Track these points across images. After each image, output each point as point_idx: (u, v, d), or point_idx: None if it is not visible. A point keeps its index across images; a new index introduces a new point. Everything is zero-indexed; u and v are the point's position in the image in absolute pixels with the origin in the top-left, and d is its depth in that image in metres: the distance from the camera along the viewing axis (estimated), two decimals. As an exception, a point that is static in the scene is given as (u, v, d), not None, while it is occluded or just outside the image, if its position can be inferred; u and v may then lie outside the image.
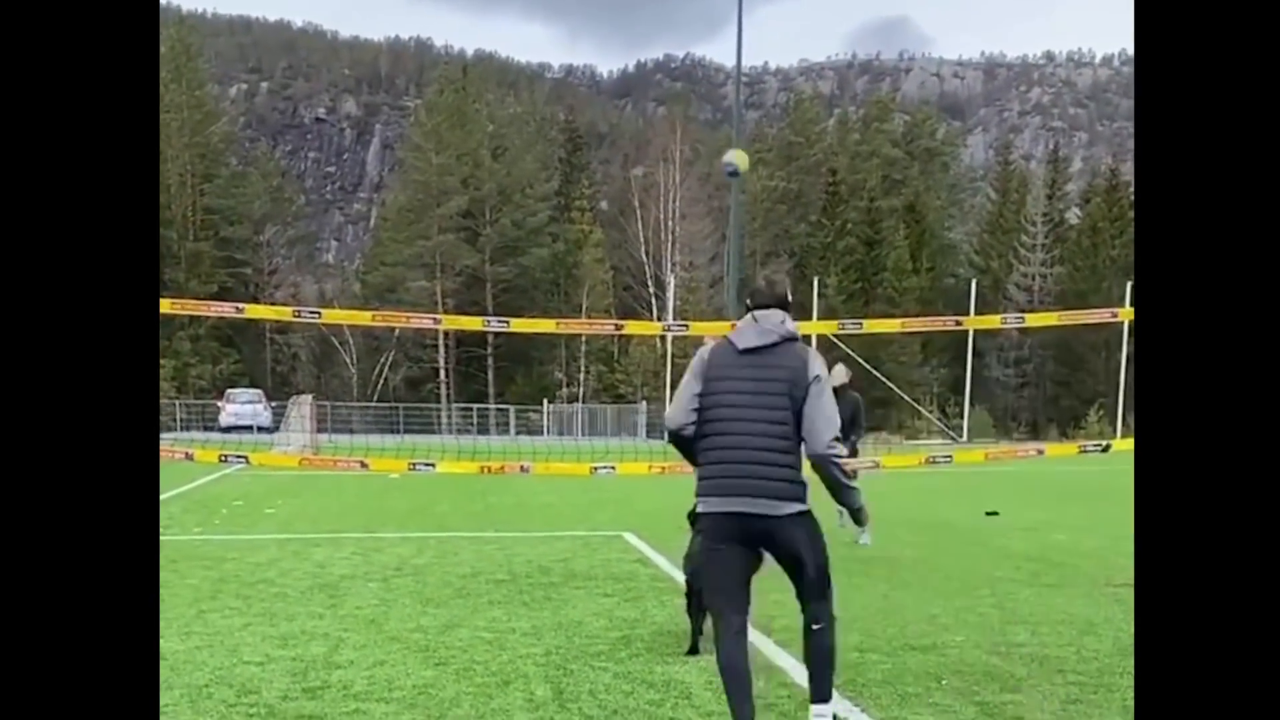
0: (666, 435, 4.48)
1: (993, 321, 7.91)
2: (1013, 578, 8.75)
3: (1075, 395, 55.40)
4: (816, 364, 4.15)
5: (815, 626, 4.37)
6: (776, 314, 4.22)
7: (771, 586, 8.38)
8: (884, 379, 40.12)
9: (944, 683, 5.45)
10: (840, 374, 9.41)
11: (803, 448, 4.15)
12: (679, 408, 4.29)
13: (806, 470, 4.24)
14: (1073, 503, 15.11)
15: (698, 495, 4.35)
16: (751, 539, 4.23)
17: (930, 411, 49.12)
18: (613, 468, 8.38)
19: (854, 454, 9.29)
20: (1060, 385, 58.41)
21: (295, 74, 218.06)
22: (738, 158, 8.59)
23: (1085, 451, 8.33)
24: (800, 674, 5.54)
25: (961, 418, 48.82)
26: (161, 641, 6.24)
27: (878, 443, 43.83)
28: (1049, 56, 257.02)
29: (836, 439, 4.11)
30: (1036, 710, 4.98)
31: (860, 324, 8.22)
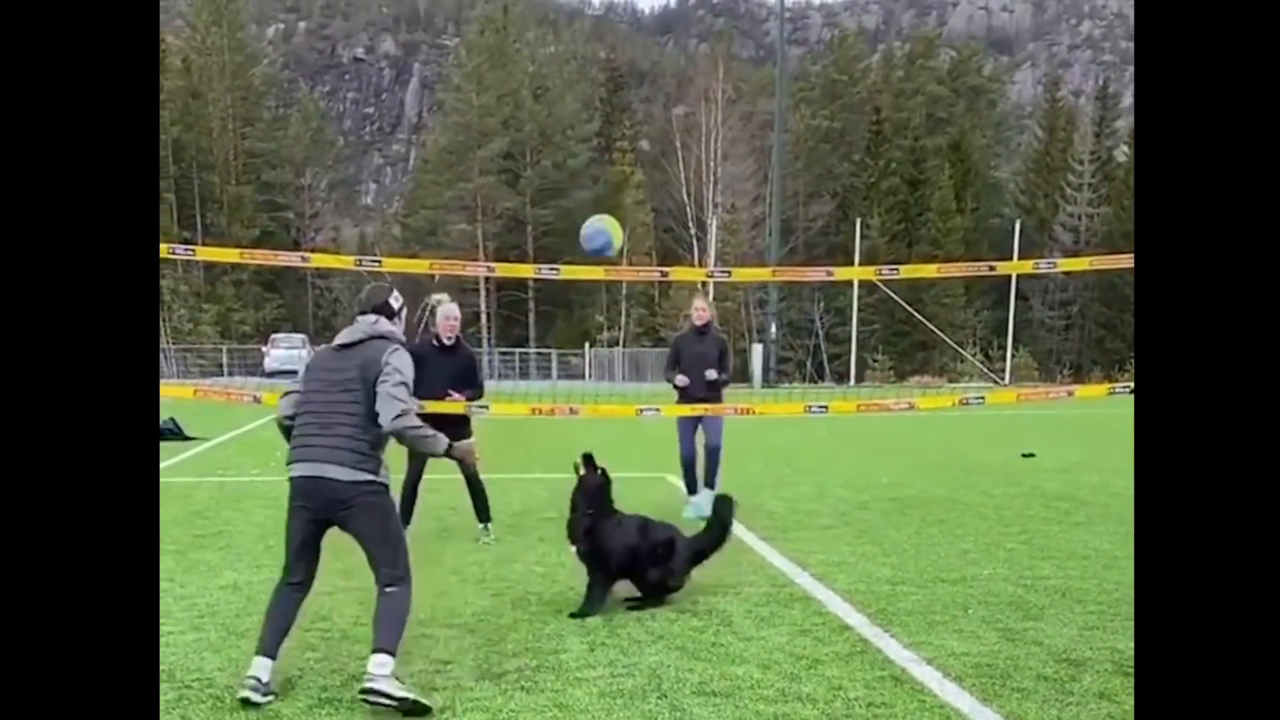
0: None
1: (1025, 267, 8.04)
2: (1043, 516, 9.03)
3: (1120, 337, 54.87)
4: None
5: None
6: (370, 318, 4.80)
7: (795, 524, 8.75)
8: (926, 321, 40.02)
9: (970, 611, 5.77)
10: (702, 311, 9.34)
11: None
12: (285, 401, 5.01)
13: None
14: (1110, 444, 15.27)
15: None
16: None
17: (973, 354, 48.98)
18: (658, 409, 8.70)
19: (718, 399, 9.17)
20: (1105, 328, 57.83)
21: (333, 13, 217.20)
22: (614, 234, 8.31)
23: (1115, 393, 8.52)
24: (835, 604, 5.91)
25: (1005, 360, 48.65)
26: (234, 574, 6.70)
27: (917, 385, 43.94)
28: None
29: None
30: (1055, 636, 5.30)
31: (896, 269, 8.35)
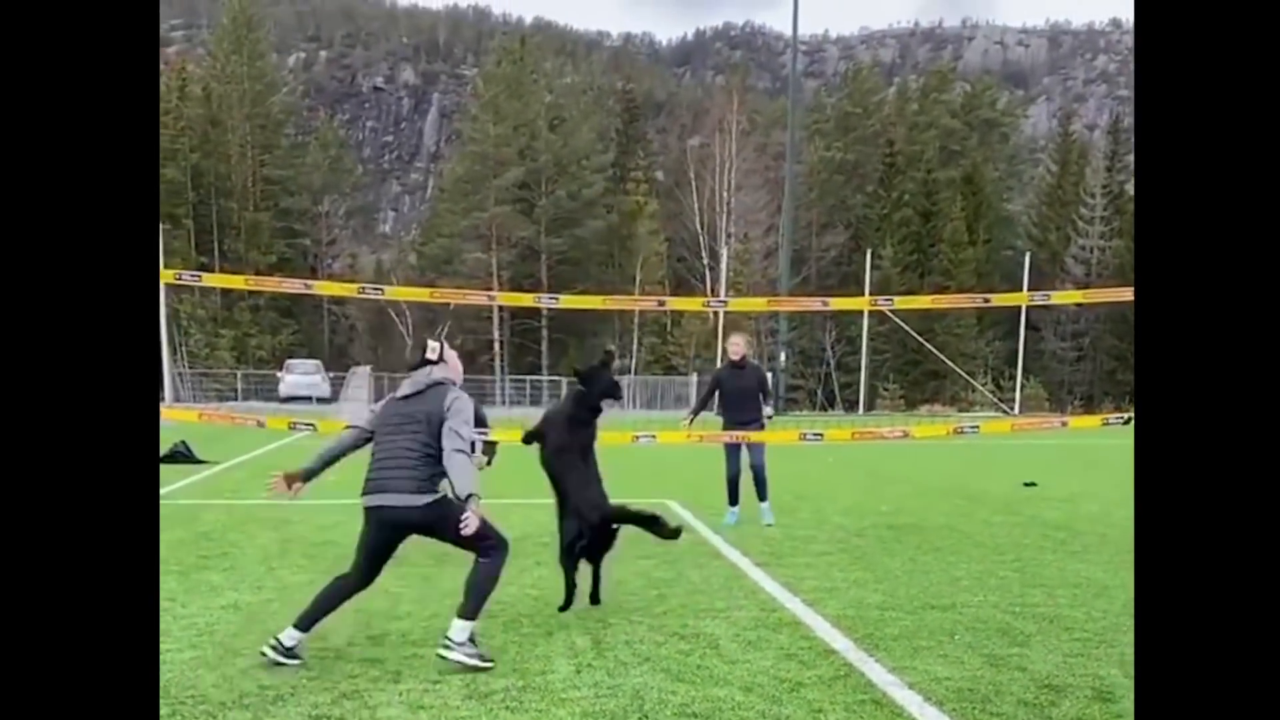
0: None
1: (1021, 299, 8.21)
2: (1039, 545, 9.08)
3: (1132, 369, 54.66)
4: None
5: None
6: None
7: (790, 550, 8.84)
8: (936, 351, 40.10)
9: (956, 637, 5.84)
10: (737, 345, 10.23)
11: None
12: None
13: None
14: (1113, 474, 15.29)
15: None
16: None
17: (984, 384, 48.95)
18: (654, 436, 8.83)
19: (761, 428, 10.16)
20: (1117, 359, 57.75)
21: (354, 42, 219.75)
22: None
23: (1108, 424, 8.60)
24: (823, 630, 5.99)
25: (1015, 391, 48.60)
26: (235, 594, 6.82)
27: (927, 414, 43.91)
28: (1116, 24, 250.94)
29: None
30: (1039, 662, 5.36)
31: (891, 300, 8.49)
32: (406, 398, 5.63)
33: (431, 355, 5.79)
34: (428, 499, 5.40)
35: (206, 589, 6.95)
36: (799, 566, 7.97)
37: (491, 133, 61.58)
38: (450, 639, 5.17)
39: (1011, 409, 45.10)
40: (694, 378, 49.28)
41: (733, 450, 10.13)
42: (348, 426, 6.04)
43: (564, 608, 6.43)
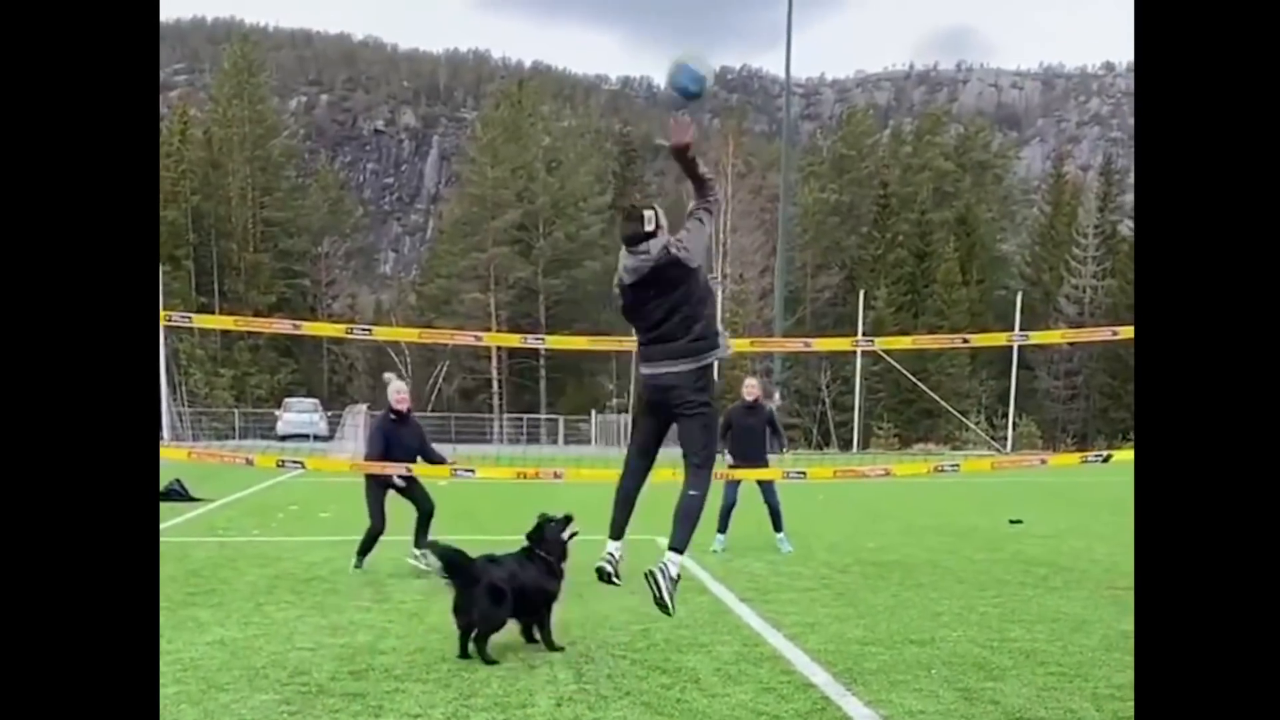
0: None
1: (999, 339, 8.35)
2: (1021, 580, 9.15)
3: (1125, 407, 54.93)
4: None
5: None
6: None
7: (775, 586, 8.92)
8: (929, 390, 40.27)
9: (933, 671, 5.91)
10: (752, 388, 10.99)
11: None
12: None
13: None
14: (1099, 511, 15.37)
15: None
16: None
17: (977, 423, 49.06)
18: (639, 474, 8.91)
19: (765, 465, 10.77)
20: (1109, 397, 57.94)
21: (355, 86, 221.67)
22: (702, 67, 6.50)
23: (1086, 462, 8.70)
24: (803, 664, 6.07)
25: (1008, 429, 48.73)
26: (221, 630, 6.88)
27: (921, 452, 43.96)
28: (1108, 67, 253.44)
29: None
30: (1013, 696, 5.43)
31: (872, 340, 8.64)
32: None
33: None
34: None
35: (193, 625, 7.01)
36: (783, 602, 8.04)
37: (490, 175, 62.10)
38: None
39: (1004, 447, 45.17)
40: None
41: (730, 485, 10.57)
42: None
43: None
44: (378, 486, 9.53)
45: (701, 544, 10.93)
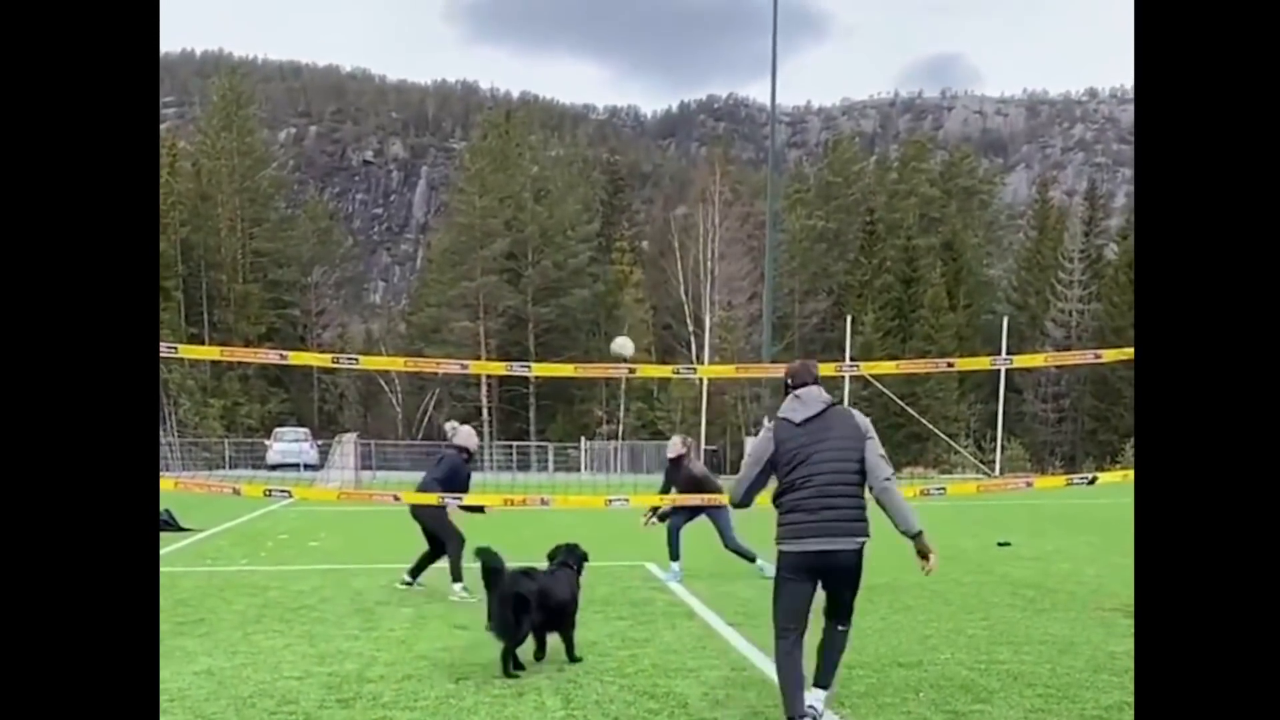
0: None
1: (983, 363, 8.44)
2: (1009, 603, 9.18)
3: (1113, 429, 55.11)
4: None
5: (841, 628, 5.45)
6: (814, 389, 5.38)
7: (764, 611, 8.90)
8: (917, 415, 40.29)
9: (921, 695, 5.93)
10: (675, 446, 10.93)
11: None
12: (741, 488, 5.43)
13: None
14: (1086, 533, 15.38)
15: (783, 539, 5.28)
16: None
17: (965, 447, 49.13)
18: (626, 500, 8.95)
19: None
20: (1097, 420, 58.10)
21: (344, 117, 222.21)
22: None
23: (1072, 484, 8.74)
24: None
25: (996, 452, 48.79)
26: (209, 659, 6.86)
27: (909, 477, 43.97)
28: (1091, 93, 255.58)
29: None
30: (1001, 718, 5.46)
31: (857, 365, 8.68)
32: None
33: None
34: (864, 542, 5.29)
35: (181, 655, 6.99)
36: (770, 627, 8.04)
37: (478, 205, 62.27)
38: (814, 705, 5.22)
39: (993, 471, 45.22)
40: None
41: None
42: None
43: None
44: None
45: (691, 571, 10.99)
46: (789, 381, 5.48)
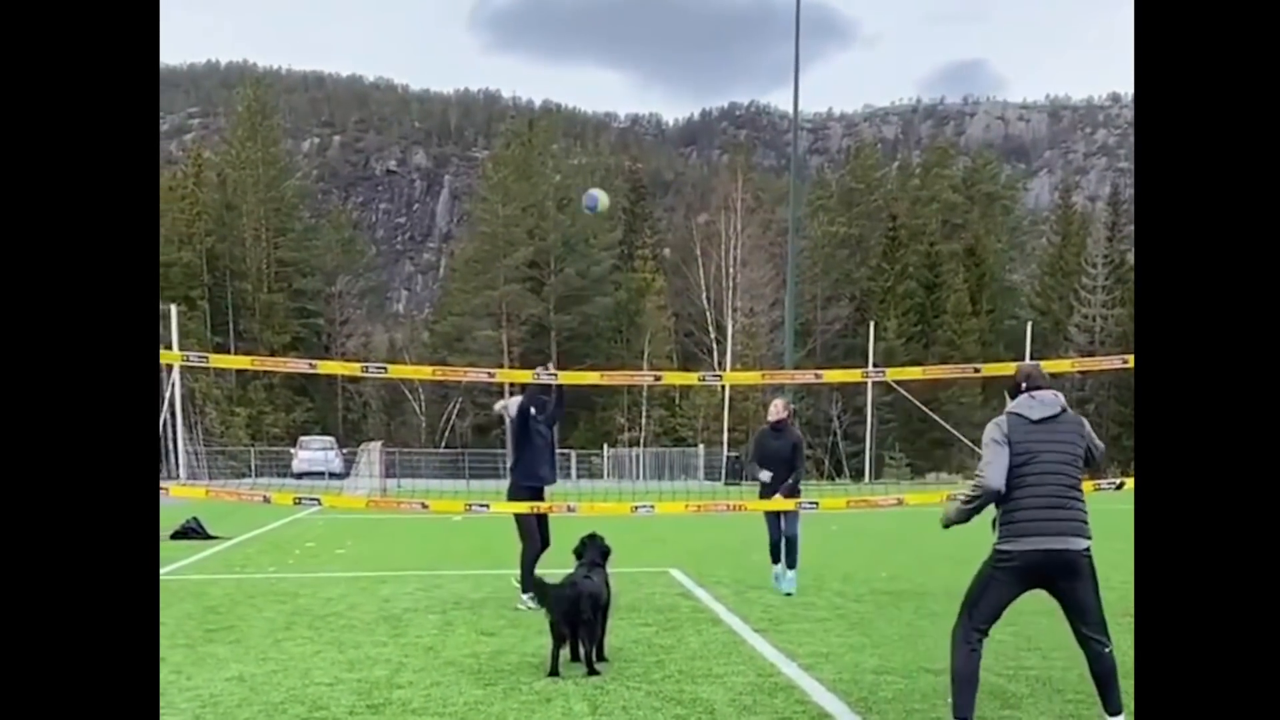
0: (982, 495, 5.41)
1: (1009, 369, 8.44)
2: (1035, 609, 9.05)
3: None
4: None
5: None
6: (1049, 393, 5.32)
7: (790, 616, 8.91)
8: (940, 420, 39.97)
9: (949, 700, 5.91)
10: (778, 408, 10.28)
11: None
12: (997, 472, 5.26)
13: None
14: (1112, 539, 15.23)
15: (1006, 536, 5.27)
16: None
17: (991, 453, 48.76)
18: (651, 507, 8.97)
19: (793, 494, 10.11)
20: (1121, 425, 57.68)
21: (367, 127, 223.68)
22: (601, 200, 11.00)
23: (1100, 490, 8.70)
24: (819, 694, 6.08)
25: (1023, 460, 48.49)
26: (240, 666, 6.93)
27: (934, 482, 43.83)
28: (1114, 98, 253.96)
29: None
30: (1030, 725, 5.45)
31: (883, 371, 8.66)
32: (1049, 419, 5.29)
33: None
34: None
35: (212, 661, 7.06)
36: (797, 632, 8.05)
37: (501, 213, 62.54)
38: None
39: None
40: (700, 449, 49.41)
41: (771, 518, 10.21)
42: None
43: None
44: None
45: (716, 576, 11.02)
46: (1024, 383, 5.43)
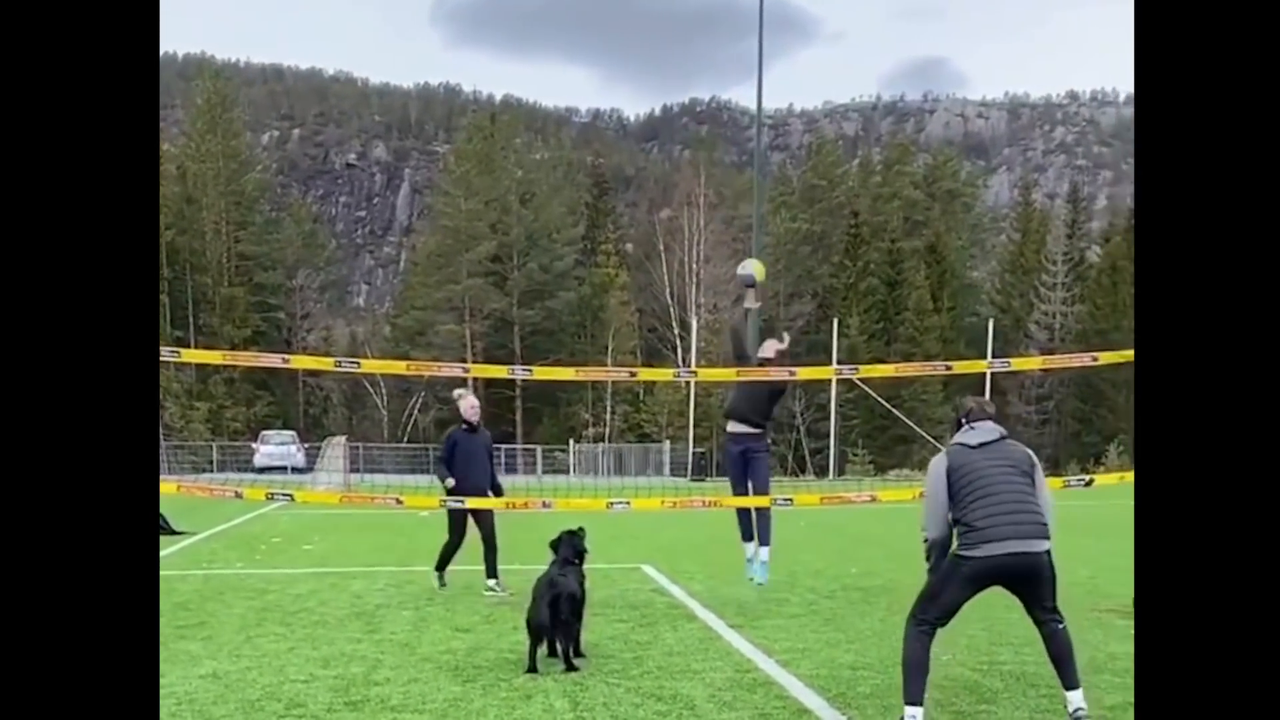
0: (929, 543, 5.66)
1: (980, 366, 8.55)
2: (1006, 604, 9.10)
3: (1096, 431, 55.50)
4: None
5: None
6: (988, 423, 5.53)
7: (764, 612, 8.94)
8: (903, 416, 40.25)
9: (926, 695, 5.97)
10: (770, 345, 9.81)
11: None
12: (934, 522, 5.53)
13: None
14: (1079, 535, 15.49)
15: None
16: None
17: (951, 449, 49.21)
18: (627, 503, 8.97)
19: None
20: (1081, 422, 58.49)
21: (327, 120, 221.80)
22: (755, 268, 9.55)
23: (1069, 486, 8.81)
24: (797, 689, 6.12)
25: (983, 455, 48.97)
26: (213, 663, 6.86)
27: (896, 479, 44.20)
28: (1072, 96, 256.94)
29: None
30: (1007, 718, 5.51)
31: (856, 368, 8.73)
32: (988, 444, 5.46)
33: None
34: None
35: (185, 658, 6.98)
36: (772, 628, 8.09)
37: (463, 208, 62.28)
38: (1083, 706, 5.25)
39: (980, 474, 45.32)
40: (666, 445, 49.48)
41: (737, 471, 9.45)
42: None
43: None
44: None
45: (689, 573, 11.04)
46: (963, 418, 5.65)
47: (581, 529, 7.51)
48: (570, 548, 7.31)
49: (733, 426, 9.49)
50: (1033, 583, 5.37)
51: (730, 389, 9.91)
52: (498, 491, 10.19)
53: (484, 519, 9.95)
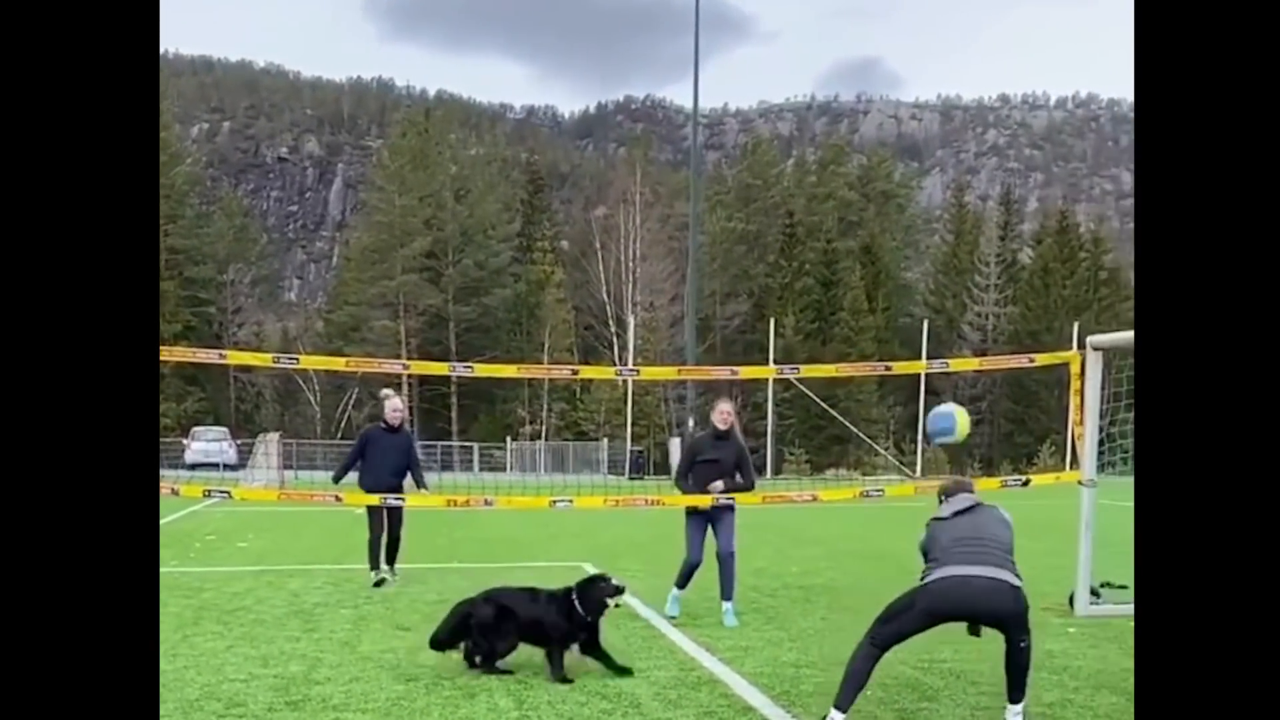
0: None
1: (919, 367, 8.70)
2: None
3: (1029, 432, 56.56)
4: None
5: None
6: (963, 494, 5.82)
7: (706, 611, 8.98)
8: (839, 416, 40.93)
9: (869, 693, 6.02)
10: (724, 413, 8.85)
11: None
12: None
13: None
14: (1016, 536, 15.78)
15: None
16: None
17: (886, 448, 49.94)
18: (570, 501, 8.94)
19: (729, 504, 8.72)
20: (1014, 422, 59.52)
21: (257, 114, 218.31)
22: (959, 423, 7.78)
23: (1006, 486, 8.96)
24: (741, 687, 6.16)
25: (916, 454, 49.68)
26: (148, 665, 6.72)
27: (832, 478, 44.66)
28: (1004, 99, 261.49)
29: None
30: (947, 716, 5.60)
31: (797, 368, 8.77)
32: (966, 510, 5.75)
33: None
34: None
35: (119, 661, 6.82)
36: (715, 626, 8.13)
37: (398, 203, 61.66)
38: None
39: (914, 472, 46.09)
40: (604, 443, 49.48)
41: (696, 534, 8.64)
42: None
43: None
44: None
45: (630, 571, 11.04)
46: (941, 496, 5.96)
47: (620, 587, 6.85)
48: (593, 601, 6.69)
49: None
50: (998, 614, 5.36)
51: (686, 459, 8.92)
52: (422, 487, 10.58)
53: (394, 517, 10.30)
